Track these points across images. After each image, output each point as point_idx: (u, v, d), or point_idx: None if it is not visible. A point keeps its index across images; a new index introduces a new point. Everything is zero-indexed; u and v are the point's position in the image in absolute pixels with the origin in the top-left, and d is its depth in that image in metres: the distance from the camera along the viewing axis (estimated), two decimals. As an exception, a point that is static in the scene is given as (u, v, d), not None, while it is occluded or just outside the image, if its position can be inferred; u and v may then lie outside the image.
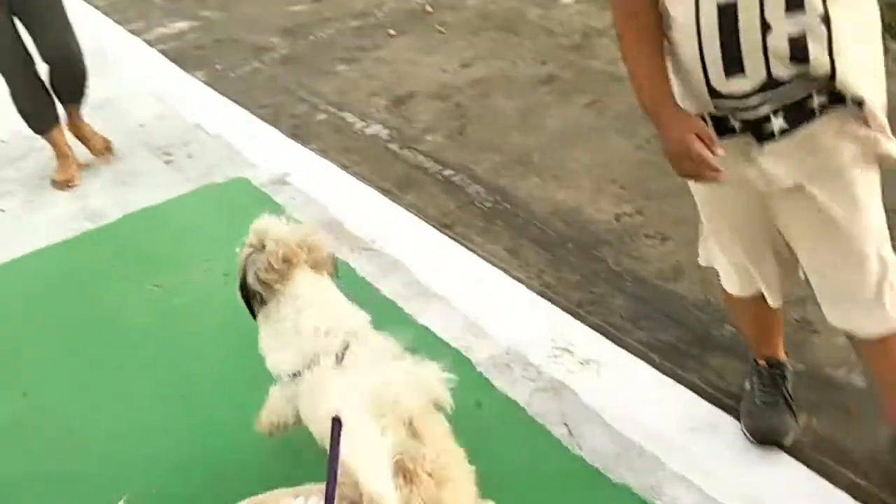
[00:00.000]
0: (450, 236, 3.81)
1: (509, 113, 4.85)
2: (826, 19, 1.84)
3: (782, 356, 2.69)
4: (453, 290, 3.43)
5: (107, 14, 7.39)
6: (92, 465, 2.88)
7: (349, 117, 5.12)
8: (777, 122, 1.98)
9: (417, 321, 3.29)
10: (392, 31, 6.20)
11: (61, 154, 4.74)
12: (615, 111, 4.58)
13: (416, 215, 4.00)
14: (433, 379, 2.05)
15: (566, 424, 2.76)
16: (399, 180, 4.33)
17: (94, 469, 2.86)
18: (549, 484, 2.58)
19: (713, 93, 1.99)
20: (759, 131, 2.02)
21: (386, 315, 3.29)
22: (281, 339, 2.49)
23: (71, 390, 3.25)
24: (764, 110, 1.97)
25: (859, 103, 1.94)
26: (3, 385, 3.34)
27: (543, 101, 4.92)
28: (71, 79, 4.63)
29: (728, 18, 1.87)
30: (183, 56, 6.37)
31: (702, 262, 2.62)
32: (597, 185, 4.02)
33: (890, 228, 2.16)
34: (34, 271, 4.05)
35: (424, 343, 3.11)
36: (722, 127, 2.06)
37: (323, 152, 4.69)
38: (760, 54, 1.89)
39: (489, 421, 2.81)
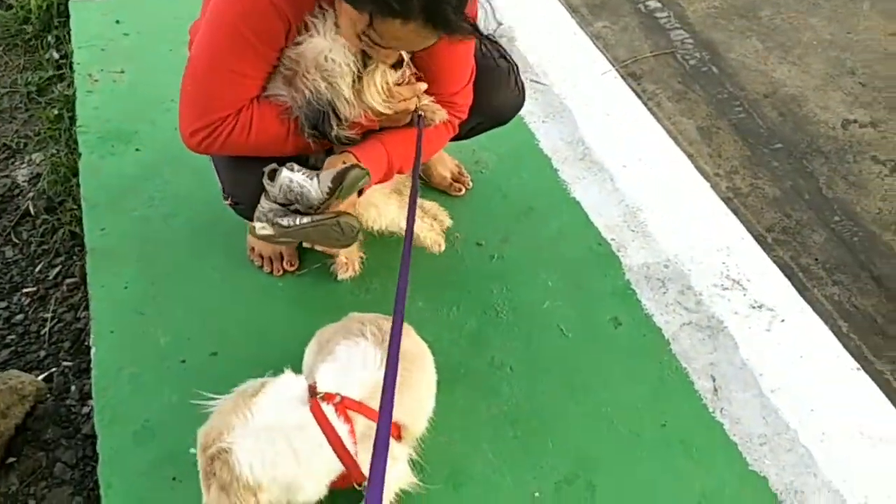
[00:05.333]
0: (635, 91, 3.15)
1: (745, -57, 3.95)
2: None
3: None
4: (620, 162, 2.85)
5: None
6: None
7: None
8: None
9: (570, 193, 2.75)
10: None
11: None
12: (879, -24, 3.66)
13: (602, 51, 3.32)
14: None
15: (713, 378, 2.27)
16: (592, -1, 3.61)
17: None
18: (671, 444, 2.13)
19: None
20: None
21: (534, 174, 2.79)
22: None
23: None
24: None
25: None
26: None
27: (791, -62, 3.97)
28: None
29: None
30: None
31: None
32: (829, 72, 3.23)
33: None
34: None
35: (570, 224, 2.63)
36: None
37: (513, -61, 3.94)
38: None
39: (621, 346, 2.33)
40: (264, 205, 2.02)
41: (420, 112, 2.07)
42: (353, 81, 1.88)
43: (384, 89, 1.92)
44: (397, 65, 1.90)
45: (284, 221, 1.97)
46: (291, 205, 1.99)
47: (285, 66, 1.92)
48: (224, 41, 1.86)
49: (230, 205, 2.25)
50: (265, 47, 1.87)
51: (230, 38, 1.85)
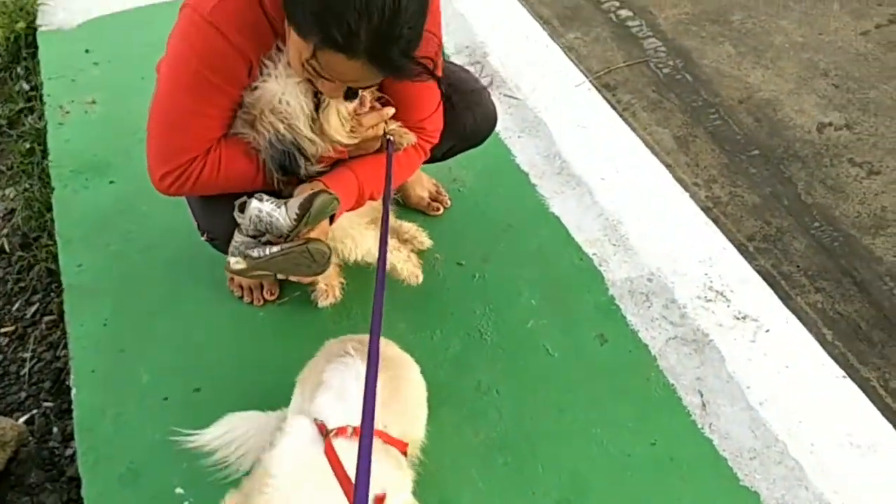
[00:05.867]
0: (609, 102, 3.15)
1: (714, -52, 3.96)
2: None
3: None
4: (599, 175, 2.84)
5: None
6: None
7: None
8: None
9: (549, 207, 2.74)
10: None
11: None
12: (847, -23, 3.67)
13: (575, 63, 3.31)
14: None
15: (701, 394, 2.26)
16: (563, 10, 3.60)
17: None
18: (662, 463, 2.12)
19: None
20: None
21: (512, 190, 2.78)
22: None
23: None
24: None
25: None
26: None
27: (759, -59, 3.98)
28: None
29: None
30: None
31: None
32: (803, 75, 3.24)
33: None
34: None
35: (551, 240, 2.62)
36: None
37: (482, -49, 3.93)
38: None
39: (608, 364, 2.32)
40: (237, 238, 2.01)
41: (389, 137, 2.06)
42: (311, 120, 1.87)
43: (345, 122, 1.91)
44: (351, 96, 1.88)
45: (255, 253, 1.96)
46: (262, 235, 1.98)
47: (244, 111, 1.91)
48: (185, 83, 1.84)
49: (206, 240, 2.23)
50: (228, 86, 1.85)
51: (191, 80, 1.83)
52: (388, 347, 1.89)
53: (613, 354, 2.35)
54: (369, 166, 2.06)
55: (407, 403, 1.89)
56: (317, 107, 1.87)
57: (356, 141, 1.97)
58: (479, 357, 2.34)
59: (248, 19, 1.77)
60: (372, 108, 1.99)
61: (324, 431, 1.71)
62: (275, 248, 1.94)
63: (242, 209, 1.96)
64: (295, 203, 1.91)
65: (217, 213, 2.07)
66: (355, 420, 1.55)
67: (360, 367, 1.78)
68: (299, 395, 1.91)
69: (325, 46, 1.62)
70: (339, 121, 1.89)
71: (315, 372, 1.90)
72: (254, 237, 1.97)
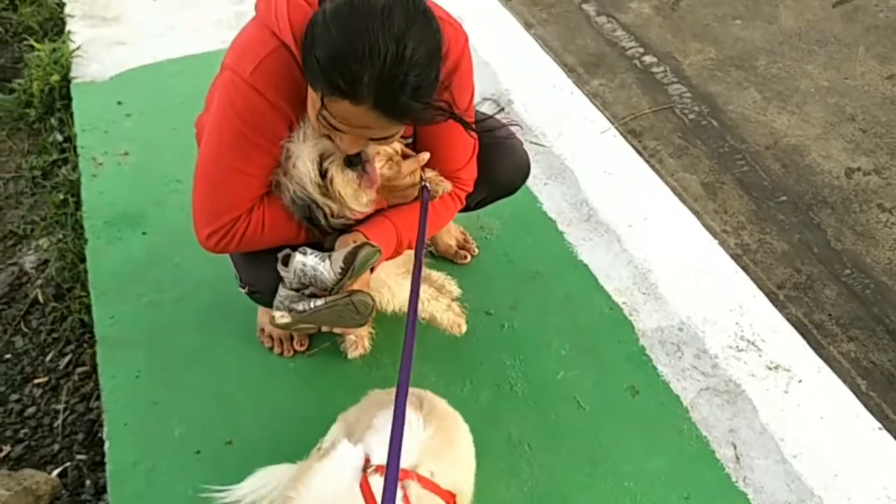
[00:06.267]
0: (636, 148, 3.16)
1: (737, -8, 3.99)
2: None
3: None
4: (626, 222, 2.84)
5: None
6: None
7: (545, -43, 4.33)
8: None
9: (577, 255, 2.75)
10: None
11: None
12: (871, 19, 3.67)
13: (601, 109, 3.33)
14: None
15: (734, 446, 2.24)
16: (588, 57, 3.63)
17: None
18: (696, 517, 2.11)
19: None
20: None
21: (540, 237, 2.78)
22: None
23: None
24: None
25: None
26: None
27: (782, -15, 4.02)
28: None
29: None
30: None
31: None
32: (829, 120, 3.24)
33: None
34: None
35: (580, 288, 2.62)
36: None
37: (506, 0, 3.98)
38: None
39: (640, 416, 2.31)
40: (281, 293, 2.03)
41: (425, 184, 2.08)
42: (318, 185, 1.90)
43: (352, 189, 1.92)
44: (353, 164, 1.90)
45: (300, 306, 1.98)
46: (306, 288, 2.00)
47: (277, 169, 1.95)
48: (228, 143, 1.88)
49: (246, 293, 2.25)
50: (269, 145, 1.88)
51: (234, 140, 1.87)
52: (438, 402, 1.90)
53: (645, 406, 2.34)
54: (407, 215, 2.08)
55: (459, 456, 1.88)
56: (323, 174, 1.89)
57: (368, 210, 2.00)
58: (510, 409, 2.33)
59: (286, 79, 1.80)
60: (405, 155, 2.01)
61: (366, 466, 1.71)
62: (319, 302, 1.96)
63: (286, 262, 1.99)
64: (339, 257, 1.93)
65: (259, 266, 2.10)
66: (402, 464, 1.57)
67: (412, 416, 1.79)
68: (339, 430, 1.91)
69: (331, 94, 1.64)
70: (347, 187, 1.91)
71: (365, 415, 1.90)
72: (298, 290, 1.99)
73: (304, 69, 1.71)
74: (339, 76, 1.60)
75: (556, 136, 3.19)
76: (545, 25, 3.83)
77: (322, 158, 1.89)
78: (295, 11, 1.76)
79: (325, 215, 1.96)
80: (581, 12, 3.93)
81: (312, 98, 1.74)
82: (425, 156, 2.03)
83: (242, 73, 1.80)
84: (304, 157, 1.87)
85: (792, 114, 3.28)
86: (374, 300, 2.03)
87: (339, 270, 1.92)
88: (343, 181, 1.90)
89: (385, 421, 1.83)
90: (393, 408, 1.81)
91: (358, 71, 1.58)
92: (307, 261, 1.96)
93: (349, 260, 1.91)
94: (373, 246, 1.94)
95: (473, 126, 1.98)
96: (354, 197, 1.95)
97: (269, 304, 2.10)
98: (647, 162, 3.09)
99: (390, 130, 1.78)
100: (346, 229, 2.05)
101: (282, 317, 2.00)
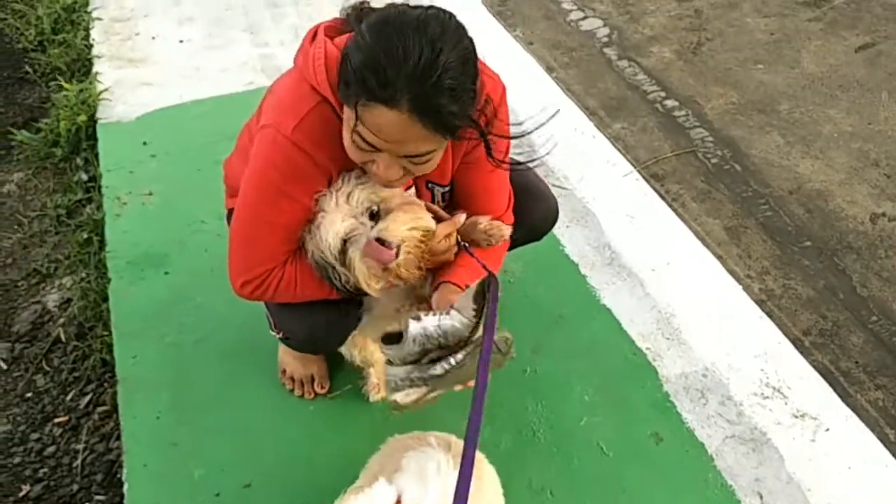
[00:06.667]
0: (658, 192, 3.15)
1: (759, 37, 4.00)
2: None
3: None
4: (649, 266, 2.83)
5: None
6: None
7: (565, 2, 4.37)
8: None
9: (600, 299, 2.73)
10: None
11: None
12: (894, 64, 3.68)
13: (622, 152, 3.34)
14: None
15: (761, 496, 2.20)
16: (609, 101, 3.65)
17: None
18: (722, 570, 2.06)
19: None
20: None
21: (562, 281, 2.77)
22: None
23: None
24: None
25: None
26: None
27: (804, 29, 4.02)
28: None
29: None
30: None
31: None
32: (853, 165, 3.23)
33: None
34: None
35: (603, 333, 2.60)
36: None
37: (528, 44, 4.01)
38: None
39: (664, 464, 2.27)
40: (394, 372, 1.84)
41: (464, 244, 2.04)
42: (338, 255, 1.87)
43: (370, 270, 1.89)
44: (390, 340, 1.80)
45: (437, 370, 1.79)
46: (427, 353, 1.82)
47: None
48: (266, 198, 1.89)
49: (280, 338, 2.25)
50: (308, 200, 1.89)
51: (272, 195, 1.87)
52: (459, 445, 1.87)
53: (669, 454, 2.30)
54: (483, 253, 2.05)
55: (484, 498, 1.85)
56: (345, 250, 1.87)
57: (378, 294, 1.97)
58: (532, 455, 2.30)
59: (327, 135, 1.81)
60: (439, 218, 1.97)
61: None
62: (459, 355, 1.78)
63: (390, 341, 1.83)
64: (466, 303, 1.80)
65: (293, 311, 2.10)
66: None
67: (441, 457, 1.76)
68: (364, 481, 1.88)
69: (366, 100, 1.61)
70: (364, 267, 1.87)
71: (390, 460, 1.86)
72: (416, 362, 1.83)
73: (339, 88, 1.70)
74: (374, 77, 1.58)
75: (579, 179, 3.19)
76: (567, 69, 3.86)
77: (347, 239, 1.86)
78: (333, 64, 1.77)
79: (341, 281, 1.94)
80: (602, 56, 3.96)
81: (347, 117, 1.72)
82: (461, 218, 2.01)
83: (285, 130, 1.81)
84: (329, 228, 1.85)
85: (815, 158, 3.27)
86: (511, 334, 1.90)
87: (473, 312, 1.78)
88: (361, 267, 1.87)
89: (414, 462, 1.81)
90: (435, 450, 1.79)
91: (392, 72, 1.57)
92: (426, 324, 1.80)
93: (479, 301, 1.78)
94: (493, 275, 1.82)
95: (509, 162, 1.98)
96: (366, 279, 1.91)
97: (302, 350, 2.14)
98: (670, 206, 3.08)
99: (427, 145, 1.72)
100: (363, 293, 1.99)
101: (406, 395, 1.80)
